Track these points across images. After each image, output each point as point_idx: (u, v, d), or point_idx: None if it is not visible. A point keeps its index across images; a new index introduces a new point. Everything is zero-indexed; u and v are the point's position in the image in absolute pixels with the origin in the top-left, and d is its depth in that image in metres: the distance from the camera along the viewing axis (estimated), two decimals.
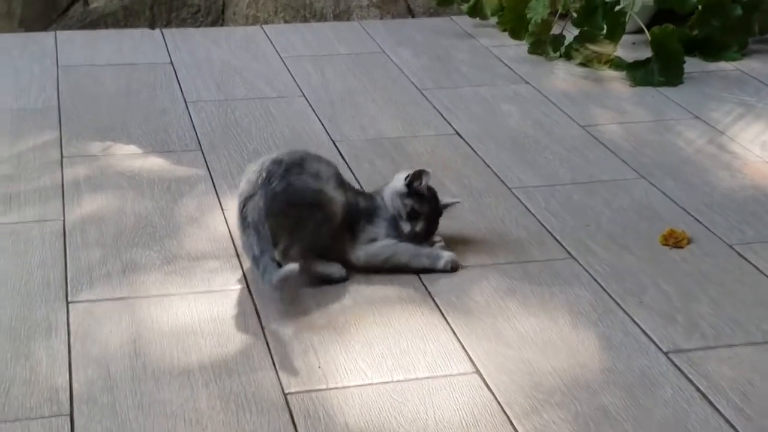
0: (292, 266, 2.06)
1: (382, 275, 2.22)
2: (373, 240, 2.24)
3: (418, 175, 2.26)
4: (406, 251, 2.23)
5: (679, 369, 1.94)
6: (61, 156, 2.81)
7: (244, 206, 2.15)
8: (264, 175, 2.15)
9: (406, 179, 2.27)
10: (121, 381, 1.88)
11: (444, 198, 2.35)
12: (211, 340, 2.00)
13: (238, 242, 2.24)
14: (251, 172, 2.19)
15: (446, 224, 2.44)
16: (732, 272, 2.28)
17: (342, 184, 2.25)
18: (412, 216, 2.25)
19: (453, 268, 2.24)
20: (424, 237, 2.28)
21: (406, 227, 2.25)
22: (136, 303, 2.13)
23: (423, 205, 2.26)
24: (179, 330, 2.04)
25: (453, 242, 2.37)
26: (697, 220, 2.51)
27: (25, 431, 1.76)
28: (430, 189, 2.29)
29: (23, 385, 1.87)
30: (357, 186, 2.50)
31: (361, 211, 2.25)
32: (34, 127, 3.01)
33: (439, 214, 2.31)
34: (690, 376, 1.92)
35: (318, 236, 2.16)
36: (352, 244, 2.22)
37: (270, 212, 2.11)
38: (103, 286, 2.19)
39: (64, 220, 2.46)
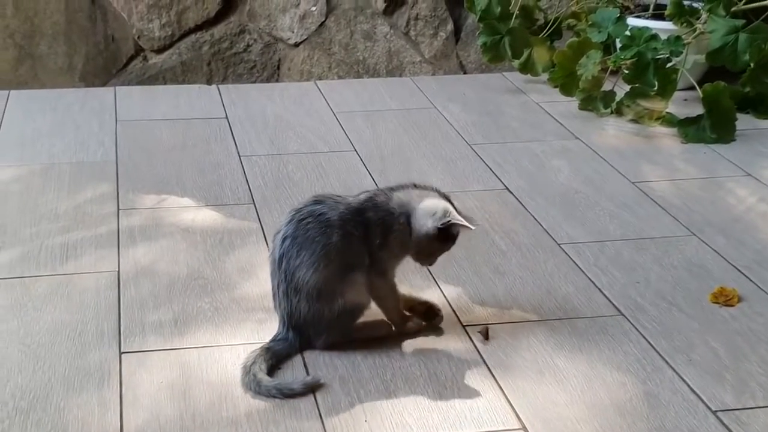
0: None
1: (428, 328, 2.24)
2: (381, 274, 2.16)
3: (450, 223, 2.11)
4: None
5: (728, 428, 1.92)
6: (118, 208, 2.87)
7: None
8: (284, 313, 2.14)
9: (441, 224, 2.10)
10: (170, 431, 1.91)
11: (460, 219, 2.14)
12: (253, 396, 2.02)
13: None
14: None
15: (494, 279, 2.45)
16: None
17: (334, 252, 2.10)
18: (433, 253, 2.18)
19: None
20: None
21: (421, 262, 2.20)
22: (187, 353, 2.16)
23: (447, 244, 2.16)
24: (228, 381, 2.06)
25: (500, 297, 2.38)
26: (748, 278, 2.49)
27: None
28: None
29: None
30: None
31: (373, 245, 2.12)
32: (92, 179, 3.08)
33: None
34: None
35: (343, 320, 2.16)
36: (368, 269, 2.14)
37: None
38: (156, 336, 2.23)
39: (118, 271, 2.51)
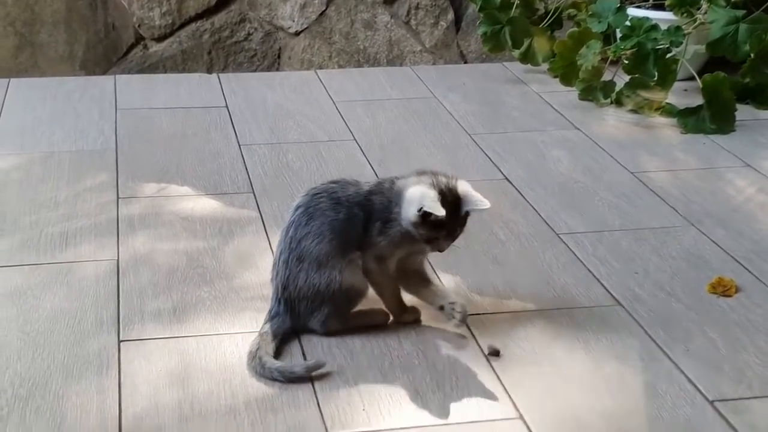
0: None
1: (426, 317, 2.24)
2: (378, 260, 2.17)
3: (428, 213, 2.08)
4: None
5: (725, 418, 1.93)
6: (117, 197, 2.88)
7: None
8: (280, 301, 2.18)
9: (418, 211, 2.07)
10: (169, 419, 1.91)
11: (471, 201, 2.13)
12: (257, 380, 2.03)
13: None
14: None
15: (492, 269, 2.45)
16: None
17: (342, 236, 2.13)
18: (430, 240, 2.14)
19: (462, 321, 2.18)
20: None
21: (426, 249, 2.17)
22: (186, 342, 2.17)
23: (440, 231, 2.12)
24: (227, 369, 2.07)
25: (499, 287, 2.39)
26: (746, 269, 2.50)
27: None
28: (453, 195, 2.11)
29: (74, 422, 1.90)
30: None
31: (373, 229, 2.14)
32: (92, 168, 3.08)
33: (463, 223, 2.16)
34: (735, 426, 1.90)
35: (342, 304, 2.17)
36: (364, 250, 2.16)
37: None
38: (155, 324, 2.23)
39: (118, 260, 2.51)
